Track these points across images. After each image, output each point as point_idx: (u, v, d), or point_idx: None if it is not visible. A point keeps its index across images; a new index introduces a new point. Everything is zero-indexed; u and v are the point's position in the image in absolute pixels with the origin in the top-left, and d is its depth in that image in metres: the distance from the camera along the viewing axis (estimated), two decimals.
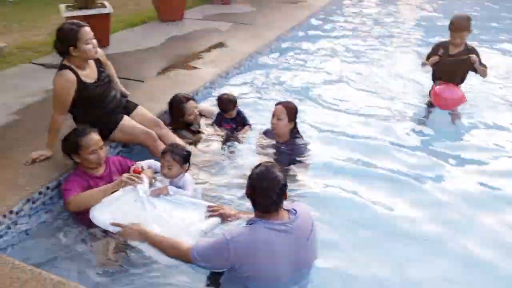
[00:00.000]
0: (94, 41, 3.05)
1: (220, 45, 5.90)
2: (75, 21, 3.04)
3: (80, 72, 3.06)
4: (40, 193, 2.77)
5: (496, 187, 3.20)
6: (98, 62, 3.25)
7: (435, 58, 3.99)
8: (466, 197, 3.08)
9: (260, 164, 2.18)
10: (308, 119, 4.06)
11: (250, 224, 2.16)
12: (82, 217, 2.68)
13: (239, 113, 3.87)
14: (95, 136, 2.83)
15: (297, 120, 3.40)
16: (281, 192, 2.09)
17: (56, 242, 2.67)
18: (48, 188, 2.83)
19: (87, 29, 3.00)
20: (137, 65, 5.14)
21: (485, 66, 3.94)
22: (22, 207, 2.67)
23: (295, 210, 2.18)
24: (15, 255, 2.36)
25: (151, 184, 2.84)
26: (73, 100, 3.06)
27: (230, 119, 3.81)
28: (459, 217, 2.91)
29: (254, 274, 2.09)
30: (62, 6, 5.75)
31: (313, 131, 3.91)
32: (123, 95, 3.57)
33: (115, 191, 2.71)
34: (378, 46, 6.51)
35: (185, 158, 2.88)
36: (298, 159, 3.37)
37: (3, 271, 2.11)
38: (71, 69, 3.01)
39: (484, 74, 3.99)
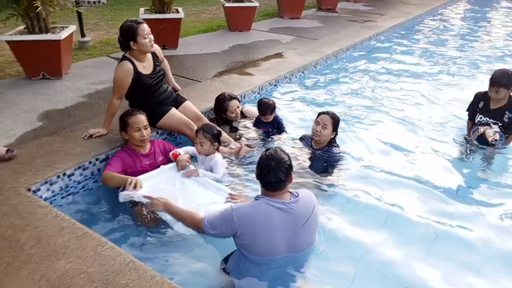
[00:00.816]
0: (151, 36, 3.46)
1: (277, 55, 6.18)
2: (134, 18, 3.46)
3: (138, 64, 3.49)
4: (90, 162, 3.22)
5: None
6: (155, 57, 3.67)
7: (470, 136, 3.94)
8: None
9: (269, 148, 2.40)
10: (347, 133, 4.16)
11: (255, 200, 2.40)
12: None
13: (277, 118, 4.07)
14: (141, 117, 3.20)
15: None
16: (287, 172, 2.30)
17: (98, 206, 3.09)
18: (97, 159, 3.27)
19: (145, 25, 3.42)
20: (198, 66, 5.60)
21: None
22: (74, 172, 3.12)
23: (297, 194, 2.39)
24: (61, 210, 2.79)
25: (183, 167, 3.17)
26: (130, 88, 3.50)
27: (267, 122, 4.03)
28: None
29: (252, 242, 2.30)
30: (142, 10, 6.44)
31: (352, 145, 4.00)
32: (175, 90, 3.97)
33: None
34: (428, 74, 6.26)
35: (214, 136, 3.24)
36: (332, 166, 3.50)
37: (47, 216, 2.52)
38: (130, 61, 3.46)
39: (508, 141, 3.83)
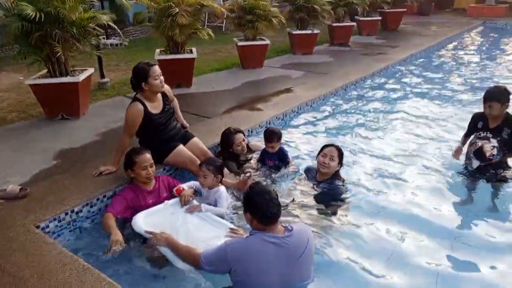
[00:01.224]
0: (162, 77, 3.64)
1: (287, 90, 6.32)
2: (147, 61, 3.67)
3: (148, 104, 3.66)
4: (97, 199, 3.34)
5: None
6: (165, 96, 3.85)
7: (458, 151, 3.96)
8: None
9: (256, 183, 2.46)
10: (352, 166, 4.19)
11: (250, 235, 2.43)
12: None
13: (282, 150, 4.13)
14: (147, 155, 3.33)
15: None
16: (279, 206, 2.35)
17: (104, 242, 3.17)
18: (104, 196, 3.39)
19: (156, 67, 3.60)
20: (209, 103, 5.78)
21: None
22: (82, 209, 3.24)
23: (291, 227, 2.40)
24: (66, 246, 2.89)
25: (186, 203, 3.25)
26: (140, 126, 3.66)
27: (273, 154, 4.08)
28: None
29: (245, 278, 2.32)
30: (157, 51, 6.76)
31: (357, 177, 4.01)
32: (183, 127, 4.12)
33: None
34: (438, 106, 6.22)
35: (217, 168, 3.33)
36: (336, 199, 3.51)
37: (51, 253, 2.62)
38: (141, 101, 3.63)
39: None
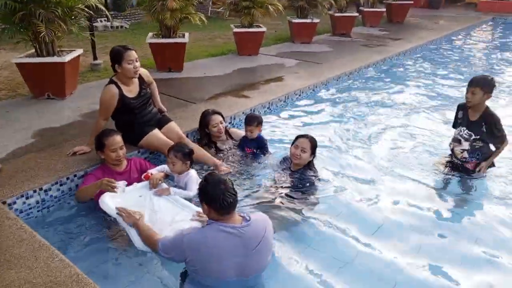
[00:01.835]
0: (137, 63, 3.63)
1: (277, 79, 6.28)
2: (124, 45, 3.66)
3: (123, 87, 3.67)
4: (67, 178, 3.37)
5: None
6: (141, 81, 3.84)
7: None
8: None
9: (211, 173, 2.44)
10: (327, 158, 4.17)
11: (206, 225, 2.43)
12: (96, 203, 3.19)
13: (261, 138, 4.13)
14: (116, 138, 3.34)
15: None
16: (235, 196, 2.34)
17: (71, 222, 3.22)
18: (75, 175, 3.42)
19: (132, 52, 3.60)
20: (197, 89, 5.77)
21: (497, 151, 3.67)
22: (51, 187, 3.28)
23: (249, 217, 2.39)
24: (31, 223, 2.93)
25: (155, 186, 3.27)
26: (115, 109, 3.68)
27: (252, 141, 4.08)
28: None
29: (201, 267, 2.33)
30: (150, 34, 6.74)
31: (334, 169, 4.00)
32: (160, 111, 4.12)
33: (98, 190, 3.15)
34: (435, 100, 6.17)
35: (185, 155, 3.32)
36: (306, 188, 3.52)
37: (11, 228, 2.66)
38: (117, 84, 3.64)
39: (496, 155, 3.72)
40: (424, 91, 6.60)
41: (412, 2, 13.33)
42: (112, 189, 3.02)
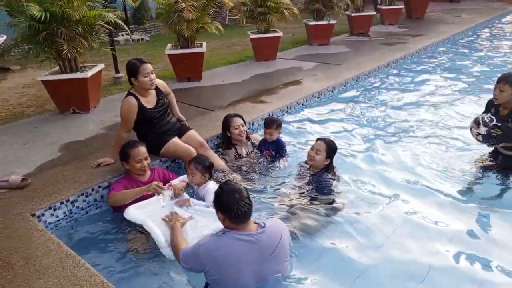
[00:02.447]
0: (152, 76, 3.71)
1: (295, 82, 6.29)
2: (140, 58, 3.76)
3: (141, 98, 3.77)
4: (92, 189, 3.49)
5: None
6: (159, 91, 3.94)
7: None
8: None
9: (227, 182, 2.47)
10: (348, 162, 4.13)
11: (222, 234, 2.45)
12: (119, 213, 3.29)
13: (280, 140, 4.16)
14: (141, 149, 3.44)
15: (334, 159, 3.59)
16: (250, 205, 2.36)
17: (97, 232, 3.32)
18: (100, 186, 3.53)
19: (147, 65, 3.69)
20: (216, 97, 5.84)
21: None
22: (77, 198, 3.39)
23: (264, 224, 2.41)
24: (58, 234, 3.05)
25: (177, 195, 3.33)
26: (135, 121, 3.78)
27: (271, 144, 4.12)
28: None
29: (219, 277, 2.35)
30: (169, 45, 6.88)
31: (352, 173, 3.93)
32: (179, 120, 4.20)
33: (144, 195, 3.27)
34: (454, 98, 5.96)
35: (205, 168, 3.37)
36: (322, 192, 3.48)
37: (40, 239, 2.78)
38: (135, 96, 3.75)
39: None
40: (448, 89, 6.43)
41: None
42: (160, 192, 3.17)
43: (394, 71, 7.39)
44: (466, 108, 5.44)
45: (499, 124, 3.44)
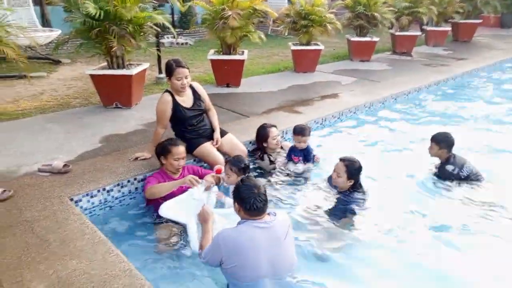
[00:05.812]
0: (186, 80, 3.83)
1: (332, 96, 6.30)
2: (178, 59, 3.89)
3: (177, 97, 3.92)
4: (128, 181, 3.63)
5: None
6: (196, 94, 4.07)
7: None
8: None
9: (249, 176, 2.65)
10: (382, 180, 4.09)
11: (239, 224, 2.59)
12: (154, 207, 3.39)
13: (309, 148, 4.19)
14: (181, 148, 3.55)
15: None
16: (266, 202, 2.52)
17: (128, 222, 3.46)
18: (135, 179, 3.68)
19: (182, 69, 3.81)
20: (252, 104, 5.95)
21: None
22: (113, 188, 3.55)
23: (274, 213, 2.59)
24: (92, 219, 3.20)
25: (209, 188, 3.40)
26: (171, 118, 3.92)
27: (300, 151, 4.16)
28: None
29: (238, 264, 2.45)
30: (211, 51, 7.07)
31: (385, 192, 3.89)
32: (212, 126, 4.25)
33: (180, 189, 3.36)
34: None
35: (241, 169, 3.46)
36: (350, 211, 3.45)
37: (76, 223, 2.93)
38: (171, 94, 3.90)
39: None
40: (488, 115, 6.24)
41: (481, 21, 12.75)
42: (195, 185, 3.20)
43: (434, 93, 7.25)
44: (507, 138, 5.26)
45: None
